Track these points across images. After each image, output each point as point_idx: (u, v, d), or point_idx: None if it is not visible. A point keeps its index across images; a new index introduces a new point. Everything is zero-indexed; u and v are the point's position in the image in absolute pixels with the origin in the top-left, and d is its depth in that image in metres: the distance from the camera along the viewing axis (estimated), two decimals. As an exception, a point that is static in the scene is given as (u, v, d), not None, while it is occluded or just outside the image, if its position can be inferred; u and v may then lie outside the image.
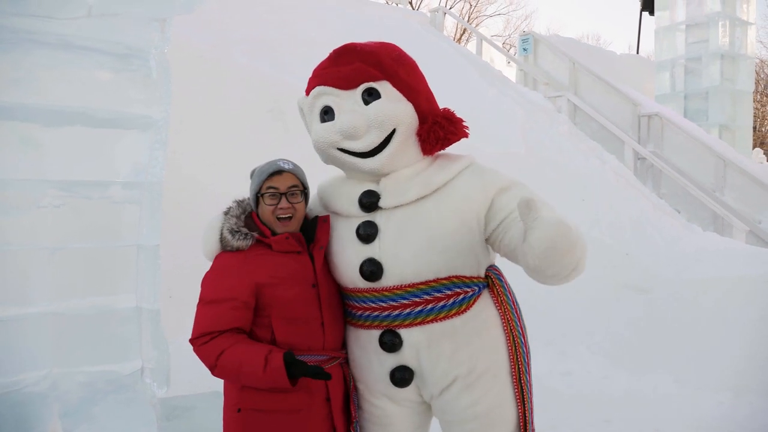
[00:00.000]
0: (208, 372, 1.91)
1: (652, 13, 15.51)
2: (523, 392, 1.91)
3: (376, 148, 1.89)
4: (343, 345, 2.03)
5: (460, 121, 1.96)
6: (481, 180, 1.91)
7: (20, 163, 2.51)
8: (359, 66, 1.90)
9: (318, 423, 1.93)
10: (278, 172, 1.95)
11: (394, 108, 1.88)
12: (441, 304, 1.86)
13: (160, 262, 2.85)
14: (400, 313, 1.87)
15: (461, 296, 1.88)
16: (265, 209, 1.94)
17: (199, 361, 1.90)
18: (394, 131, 1.89)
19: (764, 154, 15.53)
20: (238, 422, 1.91)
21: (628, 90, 11.10)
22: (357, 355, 2.00)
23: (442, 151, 2.01)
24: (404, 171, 1.94)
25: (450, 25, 24.60)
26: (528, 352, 1.97)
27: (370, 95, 1.89)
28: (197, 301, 1.92)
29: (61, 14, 2.55)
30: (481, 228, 1.88)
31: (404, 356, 1.89)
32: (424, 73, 2.04)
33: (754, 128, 18.09)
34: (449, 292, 1.87)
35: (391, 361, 1.90)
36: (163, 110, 2.82)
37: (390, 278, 1.87)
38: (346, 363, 2.02)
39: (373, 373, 1.96)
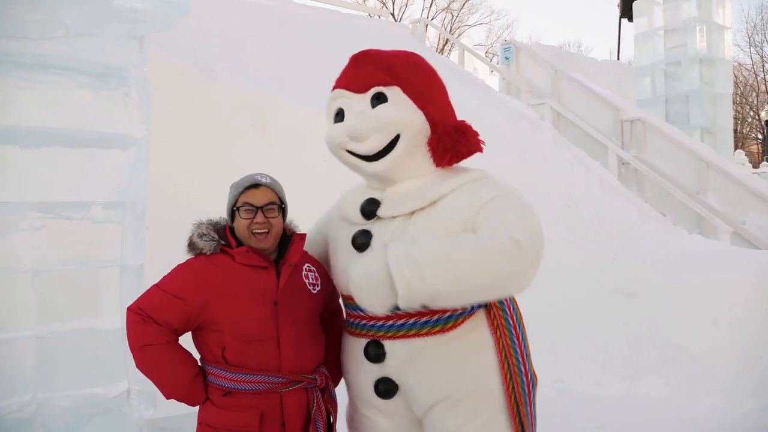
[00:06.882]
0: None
1: (630, 19, 15.68)
2: (521, 420, 1.82)
3: (380, 151, 1.88)
4: (317, 369, 1.96)
5: (474, 134, 1.90)
6: (472, 195, 1.81)
7: (-1, 186, 2.48)
8: (371, 70, 1.89)
9: None
10: (255, 185, 1.92)
11: (400, 113, 1.86)
12: (424, 319, 1.81)
13: (146, 281, 2.82)
14: (384, 324, 1.84)
15: (447, 314, 1.81)
16: (241, 223, 1.90)
17: None
18: (399, 136, 1.87)
19: (745, 155, 15.72)
20: None
21: (610, 95, 11.15)
22: (348, 364, 1.98)
23: (456, 165, 1.94)
24: (409, 182, 1.90)
25: (432, 36, 24.79)
26: (530, 381, 1.88)
27: (378, 99, 1.88)
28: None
29: (38, 35, 2.53)
30: None
31: (388, 368, 1.86)
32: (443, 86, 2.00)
33: (735, 130, 18.29)
34: (433, 308, 1.78)
35: (376, 372, 1.88)
36: (143, 129, 2.80)
37: None
38: (315, 389, 1.93)
39: (360, 382, 1.94)
